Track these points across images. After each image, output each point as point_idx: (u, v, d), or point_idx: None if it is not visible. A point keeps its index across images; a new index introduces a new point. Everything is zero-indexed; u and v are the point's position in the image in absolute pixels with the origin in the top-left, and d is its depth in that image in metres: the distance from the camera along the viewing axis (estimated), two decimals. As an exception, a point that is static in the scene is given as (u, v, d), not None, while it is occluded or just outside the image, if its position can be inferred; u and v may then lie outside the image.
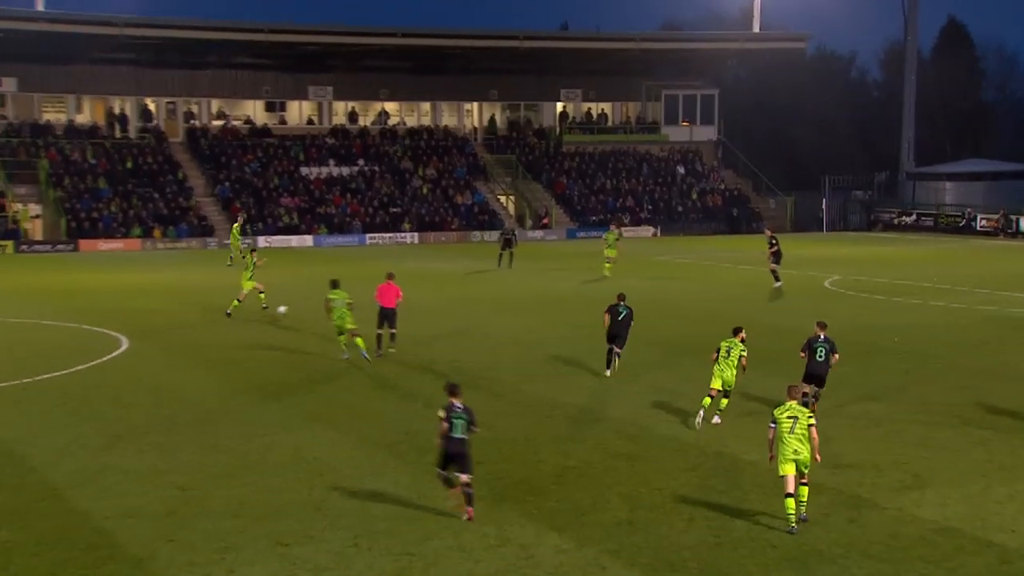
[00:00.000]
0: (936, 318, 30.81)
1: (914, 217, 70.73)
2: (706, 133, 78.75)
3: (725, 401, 18.65)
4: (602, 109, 79.42)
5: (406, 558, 12.55)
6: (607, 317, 22.59)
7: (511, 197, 71.61)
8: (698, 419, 18.18)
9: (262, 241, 60.77)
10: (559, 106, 78.70)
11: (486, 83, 76.43)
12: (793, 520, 13.35)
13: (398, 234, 64.44)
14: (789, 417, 13.73)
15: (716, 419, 18.52)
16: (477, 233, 65.18)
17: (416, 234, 64.68)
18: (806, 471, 13.67)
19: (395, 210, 66.79)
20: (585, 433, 17.97)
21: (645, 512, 14.03)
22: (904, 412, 19.27)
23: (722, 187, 74.78)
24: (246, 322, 29.79)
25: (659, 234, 68.62)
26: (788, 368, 23.08)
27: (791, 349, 25.51)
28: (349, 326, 24.04)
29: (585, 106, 78.91)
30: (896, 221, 71.13)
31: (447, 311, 32.29)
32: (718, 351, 18.55)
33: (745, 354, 18.56)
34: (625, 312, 22.59)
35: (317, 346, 25.89)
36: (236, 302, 30.68)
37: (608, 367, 22.66)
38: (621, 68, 77.39)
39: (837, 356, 18.80)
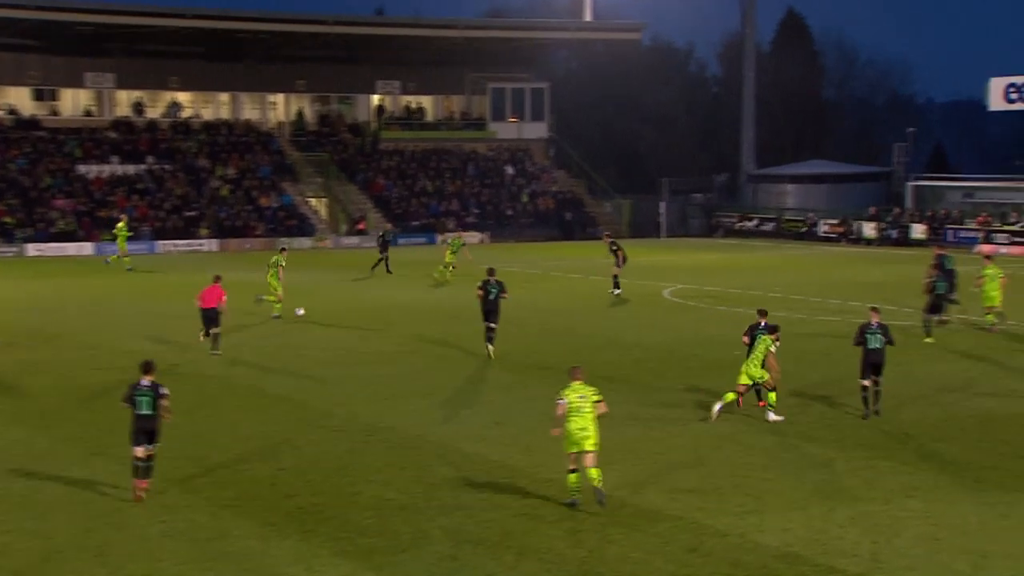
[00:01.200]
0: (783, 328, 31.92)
1: (756, 222, 73.45)
2: (536, 130, 79.87)
3: (772, 395, 20.25)
4: (423, 103, 79.59)
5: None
6: (480, 294, 26.37)
7: (323, 199, 70.93)
8: (714, 411, 20.14)
9: (31, 249, 58.33)
10: (375, 99, 78.46)
11: (293, 72, 75.53)
12: (576, 494, 15.25)
13: (194, 241, 62.91)
14: (578, 396, 15.38)
15: (772, 416, 20.21)
16: (285, 239, 64.30)
17: (215, 241, 63.32)
18: (595, 447, 15.31)
19: (190, 214, 65.20)
20: (406, 460, 17.93)
21: (471, 547, 14.07)
22: (747, 432, 19.93)
23: (554, 189, 75.96)
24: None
25: (488, 240, 69.16)
26: (632, 385, 23.58)
27: (633, 363, 26.26)
28: None
29: (404, 99, 78.94)
30: (737, 226, 73.73)
31: (269, 325, 31.77)
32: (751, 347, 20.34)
33: (773, 349, 20.29)
34: (496, 290, 26.32)
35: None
36: (278, 304, 33.21)
37: (490, 344, 26.34)
38: (443, 58, 77.75)
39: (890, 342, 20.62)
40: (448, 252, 45.24)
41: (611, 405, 21.33)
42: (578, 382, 15.53)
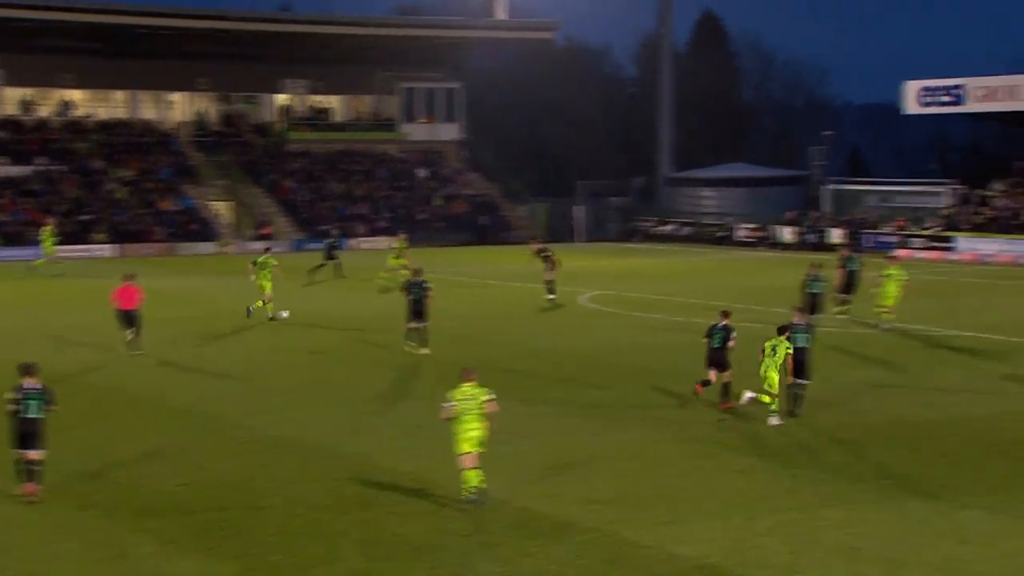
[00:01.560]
0: (699, 336, 32.40)
1: (673, 226, 74.32)
2: (449, 132, 79.96)
3: (767, 399, 21.03)
4: (331, 103, 79.21)
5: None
6: (406, 293, 28.68)
7: (227, 203, 70.21)
8: (774, 421, 20.79)
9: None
10: (281, 99, 77.92)
11: (194, 70, 74.61)
12: (472, 492, 15.96)
13: (90, 246, 61.86)
14: (466, 398, 16.18)
15: (774, 420, 20.91)
16: (187, 244, 63.54)
17: (112, 246, 62.33)
18: (481, 450, 16.25)
19: (85, 218, 64.07)
20: (316, 473, 17.87)
21: (382, 563, 14.08)
22: (666, 440, 20.18)
23: (468, 192, 76.10)
24: None
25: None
26: (549, 394, 23.75)
27: (550, 371, 26.45)
28: None
29: (312, 99, 78.51)
30: (654, 230, 74.53)
31: (171, 334, 31.42)
32: (764, 351, 21.07)
33: (791, 351, 21.03)
34: (421, 293, 28.49)
35: None
36: (262, 303, 33.94)
37: (420, 344, 28.26)
38: (353, 57, 77.49)
39: None
40: (391, 257, 44.69)
41: (530, 416, 21.67)
42: (468, 384, 16.23)
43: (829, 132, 78.26)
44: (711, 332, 22.41)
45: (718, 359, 22.25)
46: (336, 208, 70.75)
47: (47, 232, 51.87)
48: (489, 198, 76.45)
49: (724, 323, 22.36)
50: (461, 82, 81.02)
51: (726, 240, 70.65)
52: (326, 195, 71.96)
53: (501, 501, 16.33)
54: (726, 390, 22.15)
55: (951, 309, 38.14)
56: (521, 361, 28.00)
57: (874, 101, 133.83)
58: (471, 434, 16.06)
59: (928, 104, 66.05)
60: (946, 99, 64.48)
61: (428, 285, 28.84)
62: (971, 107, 64.07)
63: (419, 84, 79.37)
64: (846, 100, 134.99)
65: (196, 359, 28.26)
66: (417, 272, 29.54)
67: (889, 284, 32.19)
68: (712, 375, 22.35)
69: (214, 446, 19.58)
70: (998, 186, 63.05)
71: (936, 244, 60.62)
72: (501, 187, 79.11)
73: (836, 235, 65.41)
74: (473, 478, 15.99)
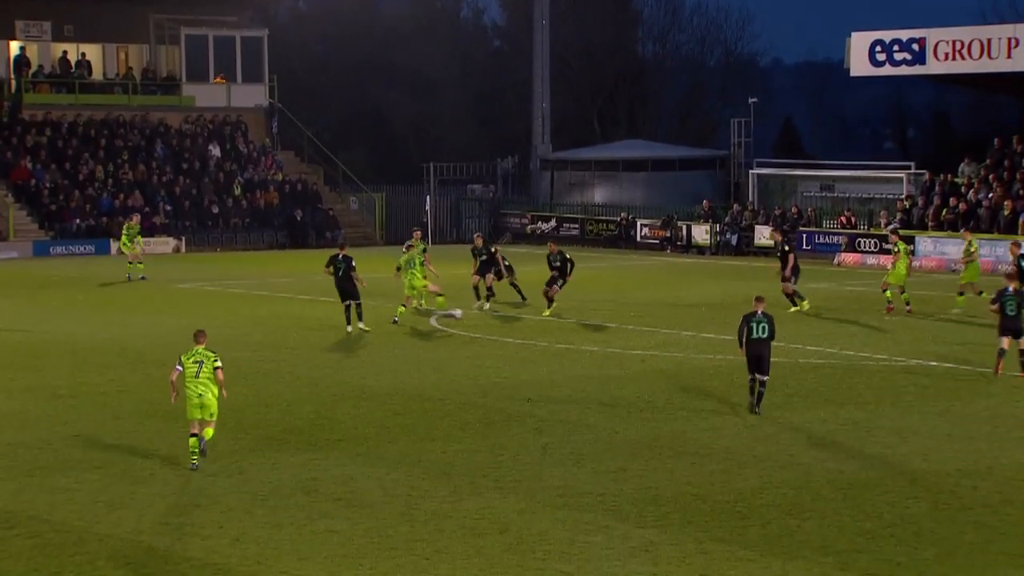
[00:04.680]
0: (592, 369, 32.64)
1: (553, 223, 74.65)
2: (253, 96, 79.24)
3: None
4: (87, 54, 77.73)
5: None
6: (329, 271, 36.93)
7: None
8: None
9: None
10: (14, 47, 76.12)
11: None
12: (195, 458, 21.62)
13: None
14: (195, 362, 21.63)
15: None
16: None
17: None
18: (212, 417, 22.03)
19: None
20: (61, 564, 17.60)
21: None
22: (540, 508, 20.18)
23: (279, 178, 75.54)
24: None
25: (184, 248, 68.27)
26: (387, 451, 23.57)
27: (388, 419, 26.25)
28: None
29: (59, 48, 77.02)
30: (530, 228, 74.77)
31: None
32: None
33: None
34: (344, 265, 36.63)
35: None
36: (440, 298, 40.84)
37: (359, 322, 36.91)
38: (116, -8, 76.27)
39: None
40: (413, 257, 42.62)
41: (358, 479, 21.47)
42: (200, 346, 21.71)
43: (753, 100, 79.50)
44: (1000, 299, 29.86)
45: (1014, 327, 29.52)
46: (97, 199, 69.47)
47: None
48: (307, 186, 75.94)
49: (1013, 287, 29.87)
50: (266, 29, 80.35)
51: (621, 240, 71.22)
52: (83, 180, 70.61)
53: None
54: None
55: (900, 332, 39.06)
56: (346, 405, 27.83)
57: (811, 59, 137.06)
58: (198, 400, 21.61)
59: (881, 63, 67.27)
60: (903, 57, 65.84)
61: (351, 263, 36.90)
62: (935, 67, 65.52)
63: (208, 31, 78.34)
64: (775, 58, 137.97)
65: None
66: (342, 248, 37.97)
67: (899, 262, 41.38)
68: (1006, 342, 29.57)
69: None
70: (969, 170, 64.70)
71: (891, 247, 61.70)
72: (323, 171, 78.63)
73: (765, 235, 66.35)
74: (196, 445, 21.63)
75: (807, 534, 18.86)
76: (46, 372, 31.99)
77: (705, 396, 28.90)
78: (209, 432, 22.13)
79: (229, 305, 44.61)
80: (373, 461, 23.00)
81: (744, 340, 26.38)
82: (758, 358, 26.31)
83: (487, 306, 42.30)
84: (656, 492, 21.07)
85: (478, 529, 19.07)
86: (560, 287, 41.59)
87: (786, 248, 42.63)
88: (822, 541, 18.51)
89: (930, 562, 17.66)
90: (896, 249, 42.51)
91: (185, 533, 18.90)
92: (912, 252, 42.23)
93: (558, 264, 41.55)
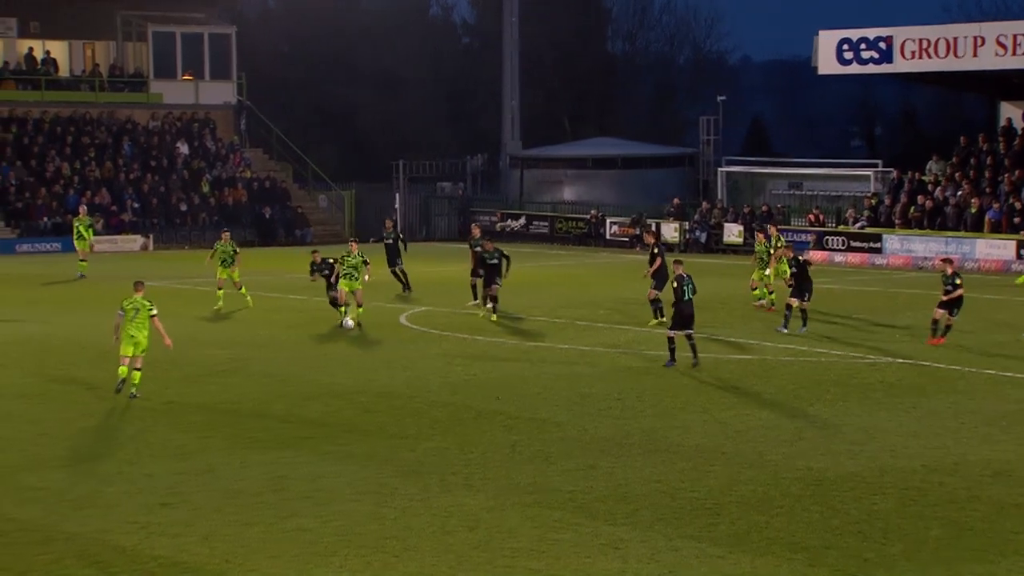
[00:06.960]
0: (561, 367, 32.68)
1: (523, 220, 74.73)
2: (221, 93, 79.08)
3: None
4: (53, 51, 77.40)
5: None
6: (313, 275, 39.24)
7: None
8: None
9: None
10: (-21, 43, 75.76)
11: None
12: (133, 389, 26.96)
13: None
14: (133, 308, 26.89)
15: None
16: None
17: None
18: (142, 354, 27.07)
19: None
20: (29, 564, 17.53)
21: None
22: (511, 504, 20.21)
23: (248, 176, 75.40)
24: None
25: (152, 246, 68.12)
26: (355, 449, 23.55)
27: (355, 416, 26.26)
28: None
29: (24, 45, 76.73)
30: (499, 226, 74.80)
31: None
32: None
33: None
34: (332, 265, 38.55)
35: None
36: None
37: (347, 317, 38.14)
38: (82, -12, 75.97)
39: None
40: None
41: (325, 477, 21.46)
42: (139, 295, 27.06)
43: (722, 98, 79.74)
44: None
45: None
46: (63, 196, 69.18)
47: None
48: (276, 183, 75.81)
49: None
50: (234, 26, 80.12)
51: (591, 239, 71.37)
52: (49, 178, 70.34)
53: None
54: None
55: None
56: (313, 404, 27.78)
57: (779, 57, 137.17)
58: (133, 340, 26.79)
59: (849, 62, 67.55)
60: (871, 55, 66.09)
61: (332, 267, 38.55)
62: (902, 66, 65.79)
63: (176, 28, 78.09)
64: (744, 55, 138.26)
65: None
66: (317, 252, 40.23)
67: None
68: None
69: None
70: (936, 168, 65.04)
71: (860, 245, 62.13)
72: (292, 169, 78.45)
73: (734, 232, 66.61)
74: (123, 372, 26.90)
75: (776, 531, 18.94)
76: (11, 370, 31.86)
77: (675, 394, 29.00)
78: (137, 377, 27.15)
79: (198, 303, 44.46)
80: (343, 459, 23.02)
81: (677, 300, 30.67)
82: (690, 316, 30.80)
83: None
84: (626, 489, 21.11)
85: (447, 527, 19.10)
86: (499, 285, 40.07)
87: (655, 251, 39.12)
88: (791, 537, 18.61)
89: (897, 558, 17.77)
90: (779, 245, 43.27)
91: (153, 532, 18.86)
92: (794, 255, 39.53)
93: (494, 262, 40.05)
